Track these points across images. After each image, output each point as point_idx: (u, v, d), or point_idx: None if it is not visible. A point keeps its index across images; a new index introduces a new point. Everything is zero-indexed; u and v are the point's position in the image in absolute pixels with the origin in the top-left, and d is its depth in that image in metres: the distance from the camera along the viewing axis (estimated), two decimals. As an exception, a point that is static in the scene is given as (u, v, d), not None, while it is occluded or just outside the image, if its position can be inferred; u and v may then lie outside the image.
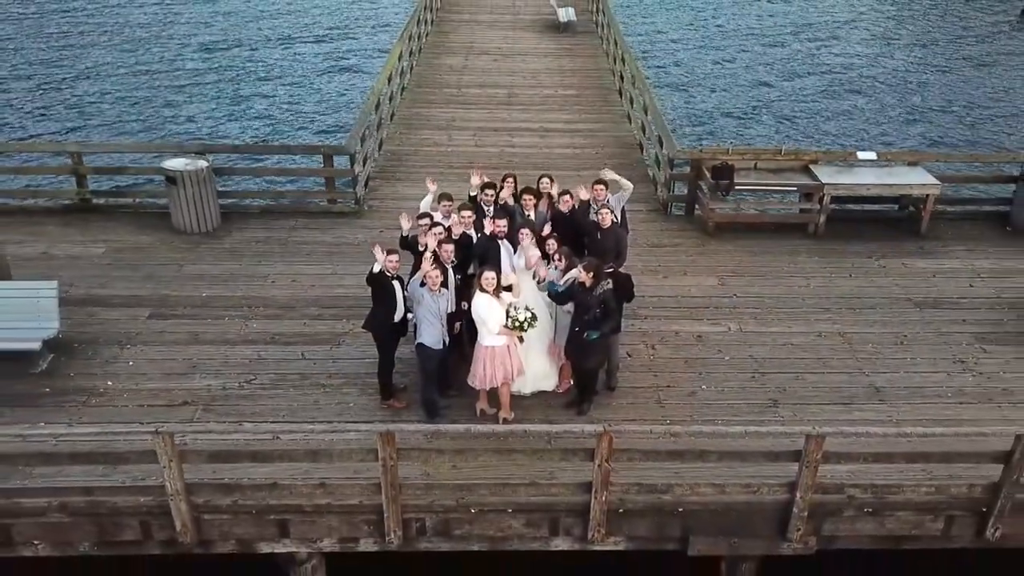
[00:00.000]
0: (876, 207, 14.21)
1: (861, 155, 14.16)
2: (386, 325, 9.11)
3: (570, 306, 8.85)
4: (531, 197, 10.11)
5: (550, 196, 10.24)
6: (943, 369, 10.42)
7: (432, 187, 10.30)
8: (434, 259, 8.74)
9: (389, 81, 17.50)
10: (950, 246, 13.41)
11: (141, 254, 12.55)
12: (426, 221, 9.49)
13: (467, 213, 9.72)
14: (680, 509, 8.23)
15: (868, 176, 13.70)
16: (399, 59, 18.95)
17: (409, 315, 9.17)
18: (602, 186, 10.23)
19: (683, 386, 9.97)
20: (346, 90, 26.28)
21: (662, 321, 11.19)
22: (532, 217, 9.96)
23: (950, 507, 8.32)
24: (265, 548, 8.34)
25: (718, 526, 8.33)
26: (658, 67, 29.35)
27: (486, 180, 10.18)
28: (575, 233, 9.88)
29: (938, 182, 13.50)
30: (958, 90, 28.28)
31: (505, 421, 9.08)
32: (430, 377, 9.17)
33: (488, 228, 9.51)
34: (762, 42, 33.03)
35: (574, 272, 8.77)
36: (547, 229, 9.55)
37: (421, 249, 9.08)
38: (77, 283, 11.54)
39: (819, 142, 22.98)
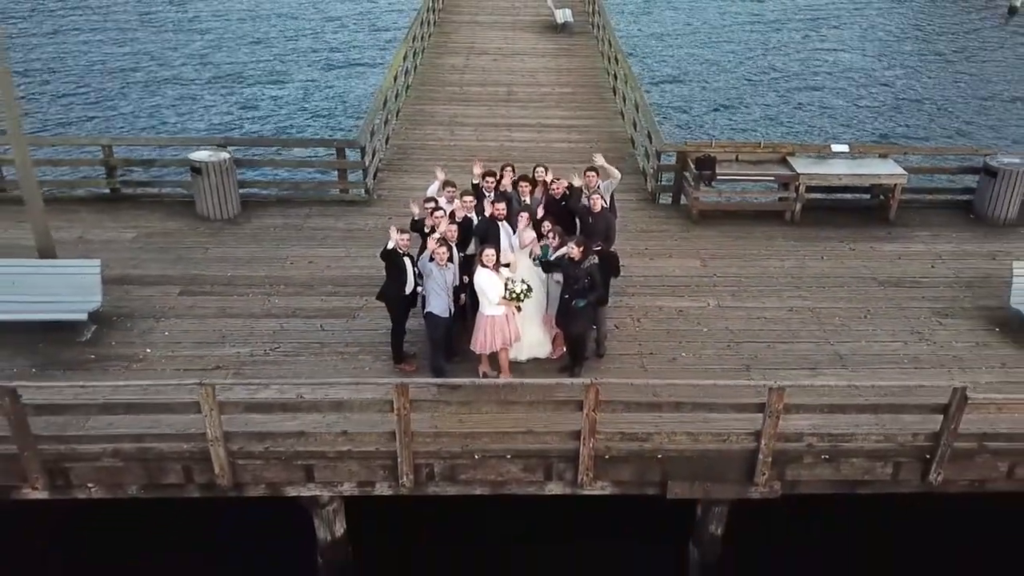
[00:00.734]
0: (848, 196, 15.27)
1: (835, 147, 15.25)
2: (398, 296, 10.20)
3: (559, 278, 9.92)
4: (527, 184, 11.19)
5: (545, 183, 11.32)
6: (901, 339, 11.51)
7: (440, 176, 11.37)
8: (440, 235, 9.83)
9: (395, 80, 18.58)
10: (916, 231, 14.48)
11: (169, 238, 13.62)
12: (431, 204, 10.58)
13: (468, 198, 10.81)
14: (659, 456, 9.30)
15: (841, 167, 14.77)
16: (404, 59, 20.03)
17: (419, 288, 10.24)
18: (593, 173, 11.28)
19: (665, 353, 11.05)
20: (354, 86, 27.43)
21: (647, 297, 12.27)
22: (528, 202, 11.04)
23: (897, 454, 9.39)
24: (292, 492, 9.41)
25: (693, 472, 9.41)
26: (649, 64, 30.59)
27: (487, 169, 11.26)
28: (567, 217, 10.97)
29: (905, 172, 14.59)
30: (937, 87, 29.47)
31: (504, 386, 10.13)
32: (437, 344, 10.25)
33: (488, 211, 10.60)
34: (748, 41, 34.26)
35: (565, 248, 9.86)
36: (540, 213, 10.64)
37: (428, 230, 10.16)
38: (112, 264, 12.55)
39: (799, 135, 24.16)
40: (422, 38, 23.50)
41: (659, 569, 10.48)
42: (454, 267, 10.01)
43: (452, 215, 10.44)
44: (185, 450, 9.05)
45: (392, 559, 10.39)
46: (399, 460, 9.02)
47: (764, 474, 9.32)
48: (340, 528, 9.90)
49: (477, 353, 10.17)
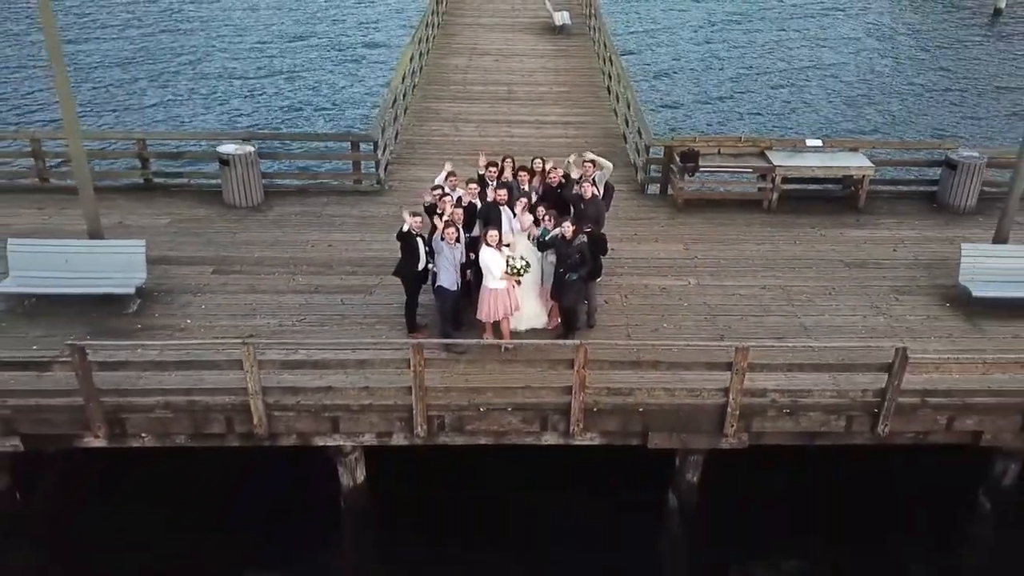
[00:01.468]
0: (821, 186, 16.59)
1: (809, 142, 16.59)
2: (411, 272, 11.53)
3: (552, 256, 11.25)
4: (526, 174, 12.52)
5: (542, 173, 12.65)
6: (860, 313, 12.85)
7: (448, 167, 12.69)
8: (448, 218, 11.17)
9: (403, 80, 19.88)
10: (882, 219, 15.82)
11: (200, 224, 14.95)
12: (438, 192, 11.92)
13: (473, 186, 12.15)
14: (640, 409, 10.65)
15: (814, 160, 16.11)
16: (411, 60, 21.34)
17: (430, 265, 11.56)
18: (591, 163, 12.62)
19: (648, 325, 12.39)
20: (366, 83, 28.87)
21: (635, 277, 13.60)
22: (526, 188, 12.37)
23: (850, 409, 10.73)
24: (319, 441, 10.77)
25: (670, 424, 10.76)
26: (642, 62, 31.97)
27: (490, 160, 12.60)
28: (562, 203, 12.30)
29: (872, 165, 15.93)
30: (918, 84, 30.79)
31: (505, 349, 11.50)
32: (446, 315, 11.58)
33: (491, 196, 11.93)
34: (736, 40, 35.49)
35: (557, 230, 11.20)
36: (535, 199, 11.98)
37: (440, 212, 11.50)
38: (151, 247, 13.67)
39: (783, 128, 25.58)
40: (427, 39, 24.80)
41: (642, 515, 11.78)
42: (461, 246, 11.34)
43: (459, 200, 11.77)
44: (228, 403, 10.40)
45: (406, 504, 11.69)
46: (414, 412, 10.37)
47: (733, 426, 10.66)
48: (361, 475, 11.27)
49: (482, 322, 11.50)
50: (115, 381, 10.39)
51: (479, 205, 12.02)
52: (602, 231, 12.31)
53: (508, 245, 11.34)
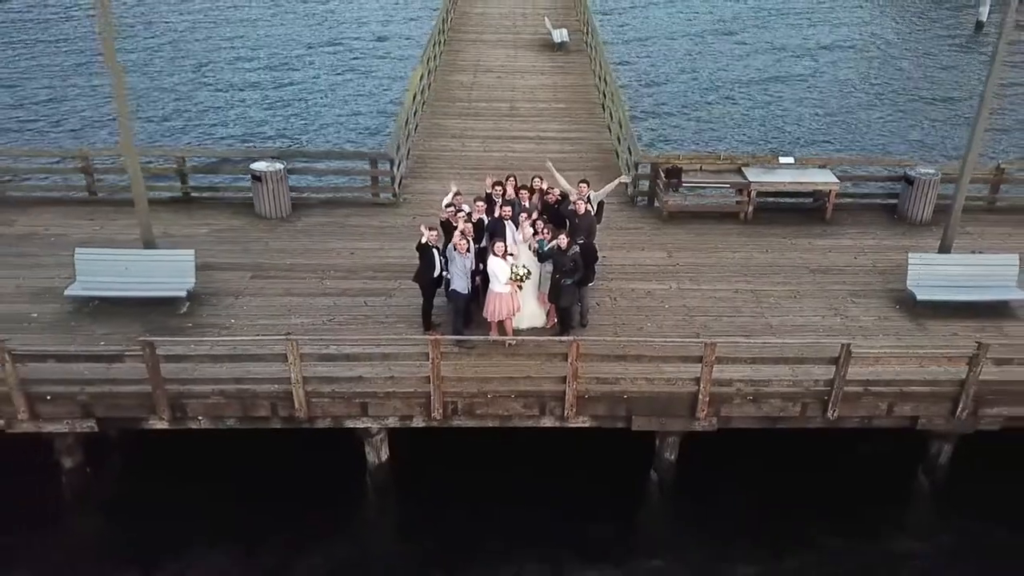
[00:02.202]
0: (793, 200, 18.37)
1: (782, 159, 18.38)
2: (428, 278, 13.33)
3: (550, 265, 13.05)
4: (527, 192, 14.32)
5: (541, 191, 14.45)
6: (820, 314, 14.63)
7: (453, 188, 14.47)
8: (461, 232, 12.97)
9: (414, 99, 21.66)
10: (847, 229, 17.60)
11: (236, 233, 16.74)
12: (451, 209, 13.71)
13: (481, 204, 13.95)
14: (625, 396, 12.45)
15: (786, 176, 17.89)
16: (420, 79, 23.12)
17: (444, 272, 13.34)
18: (585, 185, 14.40)
19: (634, 324, 14.18)
20: (380, 99, 30.78)
21: (623, 281, 15.39)
22: (527, 206, 14.16)
23: (804, 396, 12.53)
24: (349, 423, 12.57)
25: (651, 409, 12.56)
26: (639, 69, 33.91)
27: (495, 180, 14.40)
28: (559, 217, 14.10)
29: (838, 181, 17.72)
30: (898, 98, 32.58)
31: (509, 344, 13.30)
32: (458, 315, 13.38)
33: (497, 213, 13.72)
34: (725, 55, 37.21)
35: (554, 242, 13.00)
36: (535, 215, 13.78)
37: (454, 226, 13.29)
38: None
39: (767, 141, 27.44)
40: (435, 58, 26.58)
41: (627, 489, 13.57)
42: (471, 256, 13.14)
43: (470, 216, 13.58)
44: (273, 391, 12.20)
45: (423, 481, 13.47)
46: (432, 398, 12.17)
47: (703, 411, 12.46)
48: (385, 454, 13.07)
49: (489, 321, 13.29)
50: (176, 371, 12.20)
51: (487, 220, 13.82)
52: (594, 241, 14.13)
53: (512, 255, 13.13)
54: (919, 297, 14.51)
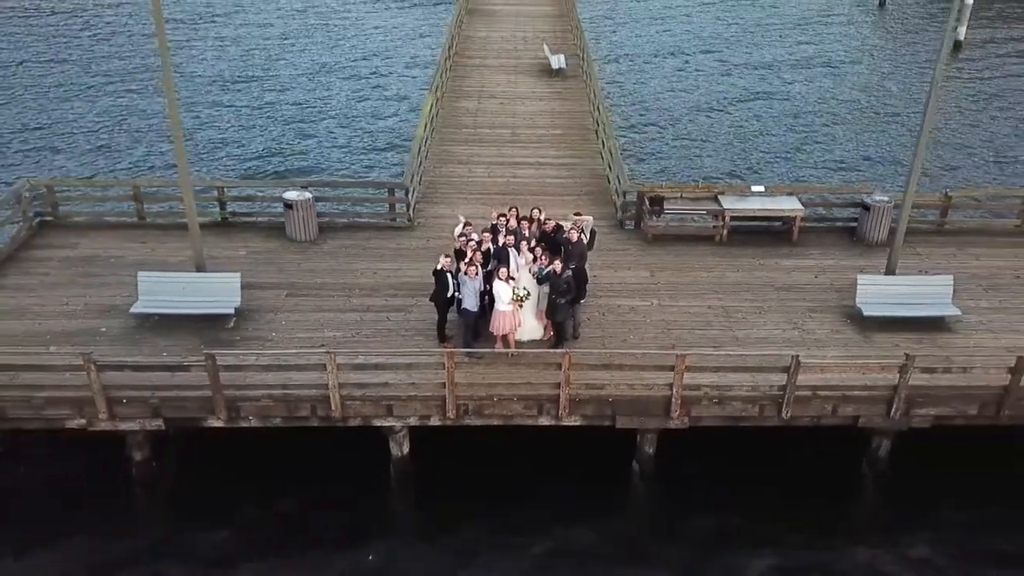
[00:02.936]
0: (763, 224, 20.62)
1: (753, 188, 20.66)
2: (443, 299, 15.61)
3: (547, 287, 15.33)
4: (527, 222, 16.61)
5: (539, 221, 16.74)
6: (781, 327, 16.89)
7: (462, 219, 16.73)
8: (470, 260, 15.25)
9: (425, 128, 23.89)
10: (810, 251, 19.85)
11: (271, 255, 18.99)
12: (463, 239, 15.97)
13: (487, 234, 16.23)
14: (610, 399, 14.72)
15: (757, 203, 20.16)
16: (430, 108, 25.37)
17: (456, 293, 15.60)
18: (577, 216, 16.71)
19: (619, 336, 16.45)
20: (393, 124, 33.20)
21: (610, 298, 17.65)
22: (527, 234, 16.43)
23: (761, 399, 14.80)
24: (377, 422, 14.84)
25: (632, 410, 14.82)
26: (632, 90, 36.53)
27: (500, 212, 16.68)
28: (555, 244, 16.38)
29: (802, 207, 19.98)
30: (875, 118, 34.84)
31: (512, 355, 15.57)
32: (468, 330, 15.64)
33: (501, 241, 16.00)
34: (711, 84, 39.11)
35: (551, 267, 15.28)
36: (533, 243, 16.07)
37: (466, 251, 15.56)
38: (235, 274, 17.97)
39: (746, 166, 29.86)
40: (442, 85, 28.79)
41: (612, 480, 15.82)
42: (480, 279, 15.42)
43: (479, 244, 15.86)
44: (313, 395, 14.47)
45: (439, 473, 15.72)
46: (447, 400, 14.44)
47: (677, 412, 14.72)
48: (406, 448, 15.33)
49: (494, 335, 15.57)
50: (231, 379, 14.46)
51: (492, 248, 16.10)
52: (586, 265, 16.42)
53: (514, 278, 15.41)
54: (865, 313, 16.79)
